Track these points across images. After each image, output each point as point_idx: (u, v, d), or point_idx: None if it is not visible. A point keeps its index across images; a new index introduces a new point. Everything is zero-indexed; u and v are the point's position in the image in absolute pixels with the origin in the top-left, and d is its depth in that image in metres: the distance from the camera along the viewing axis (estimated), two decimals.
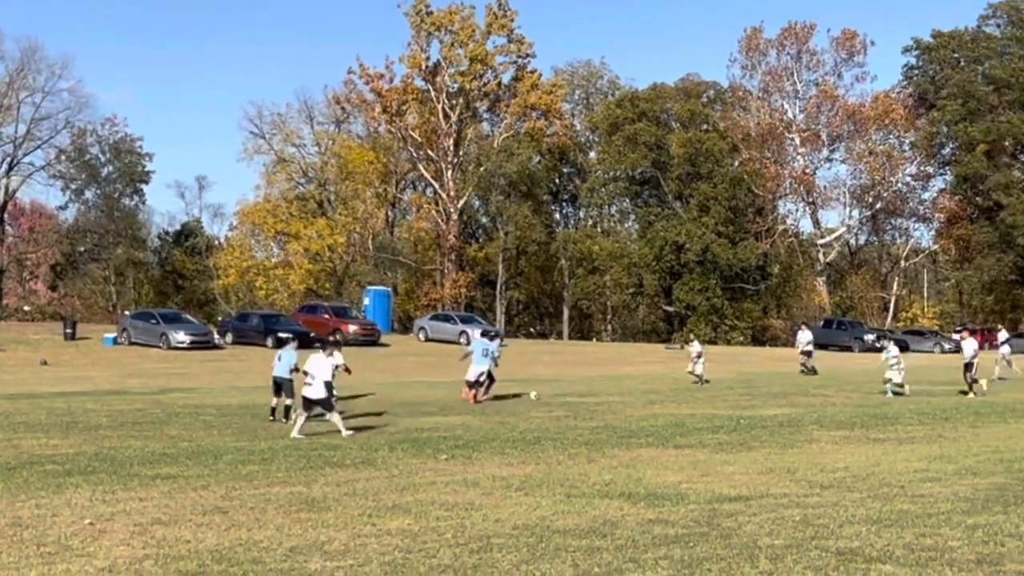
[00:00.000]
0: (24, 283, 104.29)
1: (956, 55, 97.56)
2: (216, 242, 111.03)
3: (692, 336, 47.90)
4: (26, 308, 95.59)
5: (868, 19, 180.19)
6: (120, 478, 17.46)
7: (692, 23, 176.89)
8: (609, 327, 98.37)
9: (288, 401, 27.08)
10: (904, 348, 76.82)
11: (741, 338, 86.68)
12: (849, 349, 73.35)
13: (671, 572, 10.41)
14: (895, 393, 34.33)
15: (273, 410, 27.34)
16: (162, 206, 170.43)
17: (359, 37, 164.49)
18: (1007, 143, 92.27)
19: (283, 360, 27.31)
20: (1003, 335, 48.46)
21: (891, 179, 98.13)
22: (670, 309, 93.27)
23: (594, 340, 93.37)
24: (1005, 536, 11.80)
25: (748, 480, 16.82)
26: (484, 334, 38.03)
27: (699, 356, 40.53)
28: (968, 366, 35.77)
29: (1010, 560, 10.67)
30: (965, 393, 34.86)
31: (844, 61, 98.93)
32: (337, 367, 26.06)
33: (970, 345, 36.39)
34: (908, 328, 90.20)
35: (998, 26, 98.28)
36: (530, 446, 21.70)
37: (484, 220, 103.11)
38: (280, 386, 27.12)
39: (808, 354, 47.96)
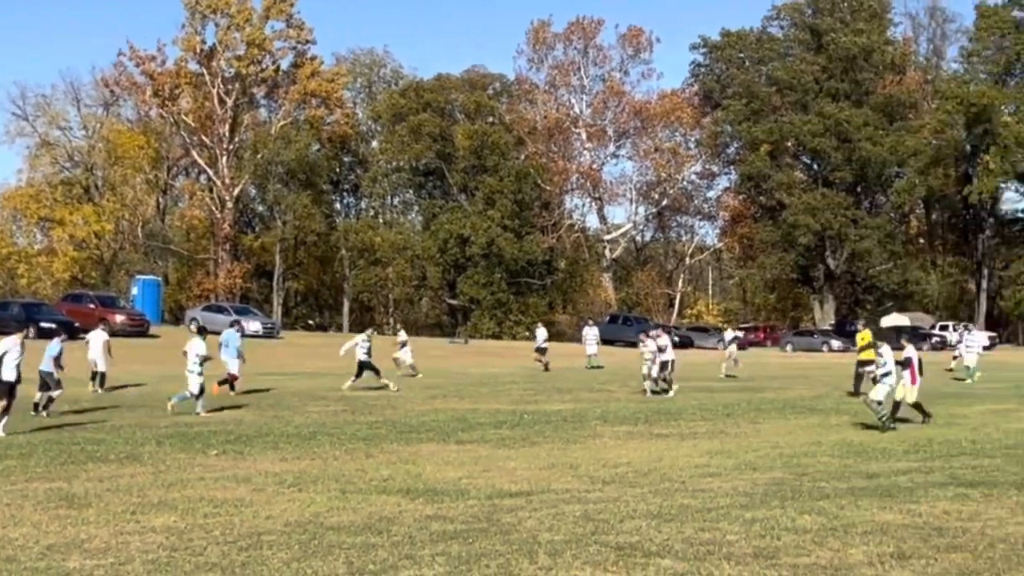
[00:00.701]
0: None
1: (742, 55, 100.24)
2: None
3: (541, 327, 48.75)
4: None
5: (657, 16, 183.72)
6: None
7: (479, 14, 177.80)
8: (391, 320, 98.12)
9: (55, 393, 26.52)
10: (688, 344, 78.88)
11: (527, 333, 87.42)
12: (634, 345, 74.40)
13: (448, 568, 10.39)
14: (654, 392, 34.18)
15: (36, 405, 26.64)
16: None
17: (131, 18, 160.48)
18: (789, 143, 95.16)
19: (45, 352, 26.77)
20: (729, 335, 49.74)
21: (677, 176, 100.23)
22: (454, 303, 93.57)
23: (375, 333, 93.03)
24: (781, 530, 12.10)
25: (530, 475, 16.93)
26: (231, 325, 37.85)
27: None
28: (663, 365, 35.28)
29: (785, 553, 10.94)
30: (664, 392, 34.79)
31: (631, 57, 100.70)
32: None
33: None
34: (693, 325, 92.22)
35: (781, 28, 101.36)
36: (305, 441, 21.49)
37: (261, 209, 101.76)
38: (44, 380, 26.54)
39: (542, 351, 48.53)
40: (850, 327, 77.44)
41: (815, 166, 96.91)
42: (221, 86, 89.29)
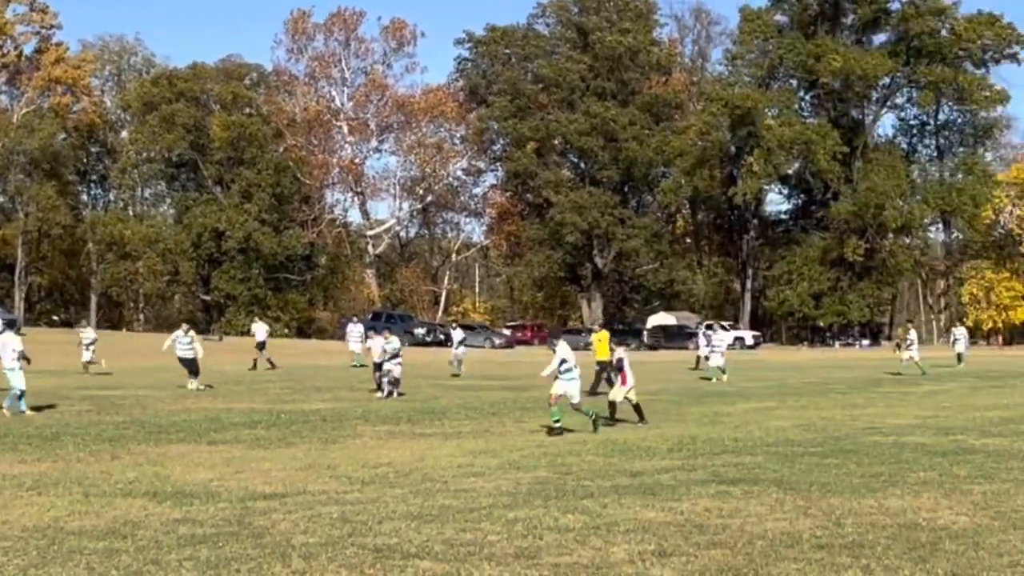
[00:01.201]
0: None
1: (508, 51, 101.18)
2: None
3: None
4: None
5: (421, 10, 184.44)
6: None
7: (236, 3, 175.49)
8: (142, 316, 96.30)
9: None
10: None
11: (286, 330, 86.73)
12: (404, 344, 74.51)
13: (196, 573, 10.15)
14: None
15: None
16: None
17: None
18: (556, 141, 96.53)
19: None
20: (458, 334, 49.19)
21: (442, 172, 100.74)
22: (208, 298, 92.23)
23: (124, 330, 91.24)
24: (544, 529, 12.13)
25: (285, 477, 16.70)
26: None
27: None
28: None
29: (547, 553, 10.96)
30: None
31: (394, 51, 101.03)
32: None
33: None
34: (461, 322, 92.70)
35: (548, 25, 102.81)
36: (47, 442, 20.84)
37: (2, 200, 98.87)
38: None
39: (262, 346, 48.01)
40: (617, 325, 79.18)
41: (582, 165, 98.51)
42: None
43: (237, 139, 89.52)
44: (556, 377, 23.46)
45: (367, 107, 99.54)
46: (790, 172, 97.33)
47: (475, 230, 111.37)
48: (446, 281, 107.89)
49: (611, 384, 28.51)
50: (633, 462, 18.27)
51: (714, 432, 22.90)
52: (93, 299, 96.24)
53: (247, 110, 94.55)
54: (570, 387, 23.27)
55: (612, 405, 24.74)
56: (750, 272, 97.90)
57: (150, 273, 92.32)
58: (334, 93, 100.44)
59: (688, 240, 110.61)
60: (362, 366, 47.52)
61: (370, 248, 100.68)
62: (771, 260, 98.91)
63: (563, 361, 23.28)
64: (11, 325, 37.13)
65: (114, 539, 11.85)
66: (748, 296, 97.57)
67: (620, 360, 25.04)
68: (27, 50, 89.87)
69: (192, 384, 34.55)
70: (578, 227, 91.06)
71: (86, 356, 42.97)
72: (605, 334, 34.30)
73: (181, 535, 12.05)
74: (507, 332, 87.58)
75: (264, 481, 16.28)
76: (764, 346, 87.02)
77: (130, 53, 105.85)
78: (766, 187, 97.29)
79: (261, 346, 48.05)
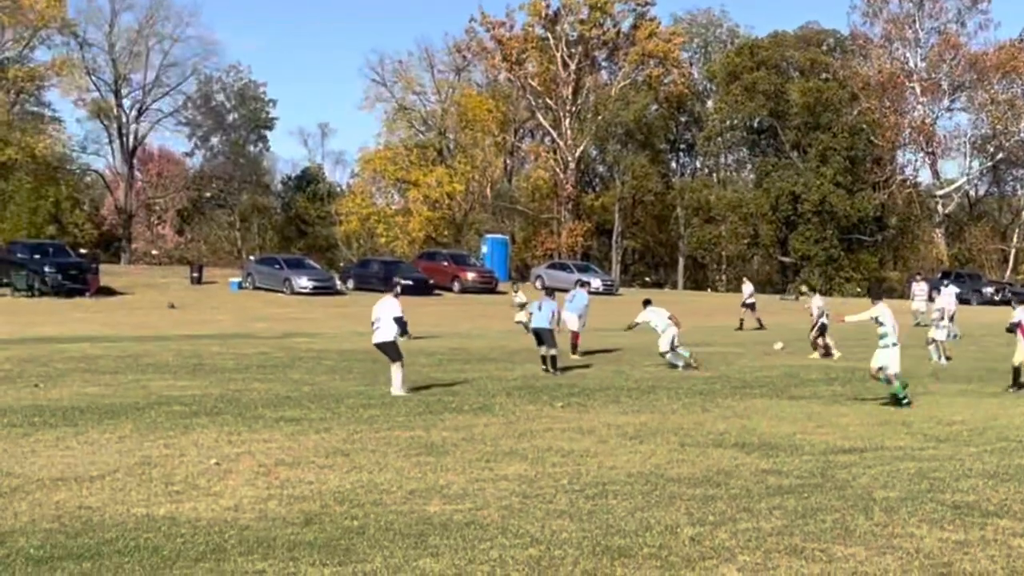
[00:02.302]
0: (152, 227, 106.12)
1: None
2: (338, 189, 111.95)
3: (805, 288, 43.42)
4: (154, 252, 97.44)
5: None
6: (245, 420, 17.80)
7: None
8: (723, 277, 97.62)
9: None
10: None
11: (857, 289, 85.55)
12: (968, 302, 72.09)
13: (785, 522, 10.39)
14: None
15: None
16: (286, 153, 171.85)
17: None
18: None
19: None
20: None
21: (1013, 129, 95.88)
22: (785, 260, 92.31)
23: (708, 290, 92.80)
24: None
25: (863, 432, 16.69)
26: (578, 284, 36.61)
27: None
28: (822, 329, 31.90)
29: None
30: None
31: (968, 8, 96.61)
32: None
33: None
34: None
35: None
36: (644, 395, 21.70)
37: (601, 169, 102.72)
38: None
39: (751, 307, 45.11)
40: None
41: None
42: (565, 49, 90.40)
43: (814, 104, 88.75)
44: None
45: (939, 66, 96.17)
46: None
47: None
48: (1015, 239, 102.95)
49: None
50: None
51: None
52: (680, 261, 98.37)
53: (824, 75, 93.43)
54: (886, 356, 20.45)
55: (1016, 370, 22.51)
56: None
57: (732, 236, 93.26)
58: (908, 54, 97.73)
59: None
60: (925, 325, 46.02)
61: (939, 208, 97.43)
62: None
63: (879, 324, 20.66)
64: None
65: (709, 486, 12.31)
66: None
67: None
68: (624, 27, 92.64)
69: (779, 345, 34.37)
70: None
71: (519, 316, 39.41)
72: None
73: (769, 485, 12.35)
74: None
75: (843, 436, 16.34)
76: None
77: (716, 25, 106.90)
78: None
79: (749, 306, 45.53)
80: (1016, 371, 22.43)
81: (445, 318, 45.27)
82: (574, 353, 30.59)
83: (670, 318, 27.81)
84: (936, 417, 18.35)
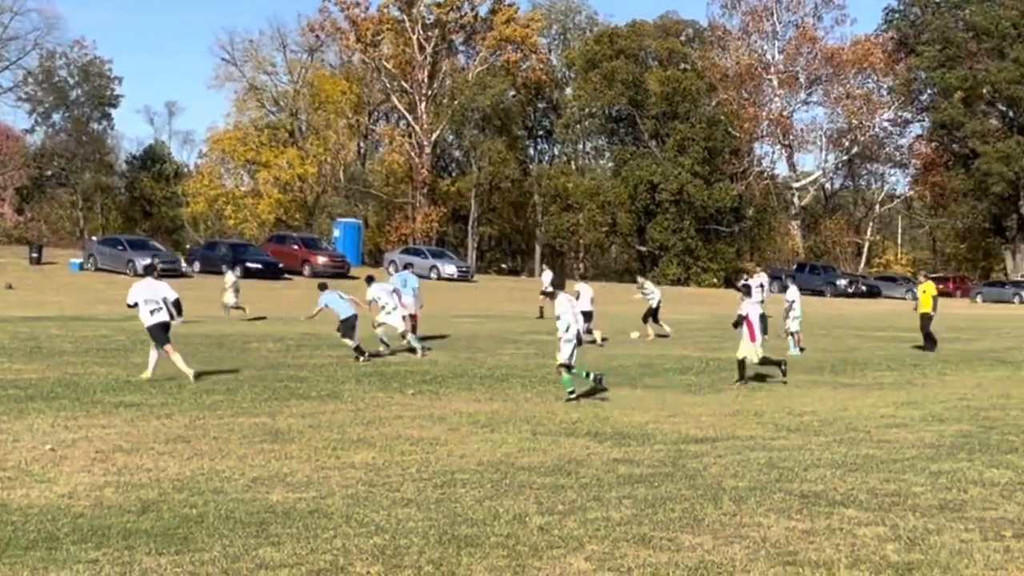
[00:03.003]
0: None
1: (937, 0, 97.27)
2: (185, 169, 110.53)
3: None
4: None
5: None
6: (83, 405, 17.47)
7: None
8: (581, 266, 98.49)
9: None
10: (877, 294, 77.61)
11: (714, 280, 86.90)
12: (822, 293, 73.64)
13: (634, 511, 10.48)
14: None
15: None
16: (131, 132, 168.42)
17: None
18: (984, 91, 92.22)
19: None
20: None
21: (868, 124, 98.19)
22: (643, 249, 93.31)
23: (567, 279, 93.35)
24: (968, 483, 11.92)
25: (715, 422, 16.91)
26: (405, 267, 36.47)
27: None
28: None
29: (972, 507, 10.78)
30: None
31: (824, 3, 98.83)
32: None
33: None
34: (881, 274, 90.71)
35: None
36: (498, 383, 21.76)
37: (457, 154, 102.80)
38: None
39: (550, 295, 44.96)
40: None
41: (1011, 114, 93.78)
42: (421, 32, 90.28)
43: (672, 94, 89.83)
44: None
45: (796, 60, 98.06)
46: None
47: (899, 181, 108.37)
48: (869, 233, 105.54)
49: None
50: None
51: None
52: (537, 249, 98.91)
53: (682, 65, 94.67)
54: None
55: (741, 364, 22.52)
56: None
57: (590, 224, 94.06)
58: (765, 47, 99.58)
59: None
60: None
61: (795, 200, 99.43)
62: None
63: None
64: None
65: (559, 475, 12.36)
66: None
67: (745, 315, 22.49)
68: (482, 11, 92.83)
69: (634, 335, 34.73)
70: (1004, 177, 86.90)
71: (230, 299, 40.00)
72: (931, 285, 32.77)
73: (620, 474, 12.45)
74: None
75: (696, 425, 16.55)
76: None
77: (575, 12, 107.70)
78: None
79: (549, 295, 45.12)
80: (741, 364, 22.40)
81: (295, 303, 44.87)
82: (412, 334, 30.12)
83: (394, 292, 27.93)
84: (787, 407, 18.67)
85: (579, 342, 19.48)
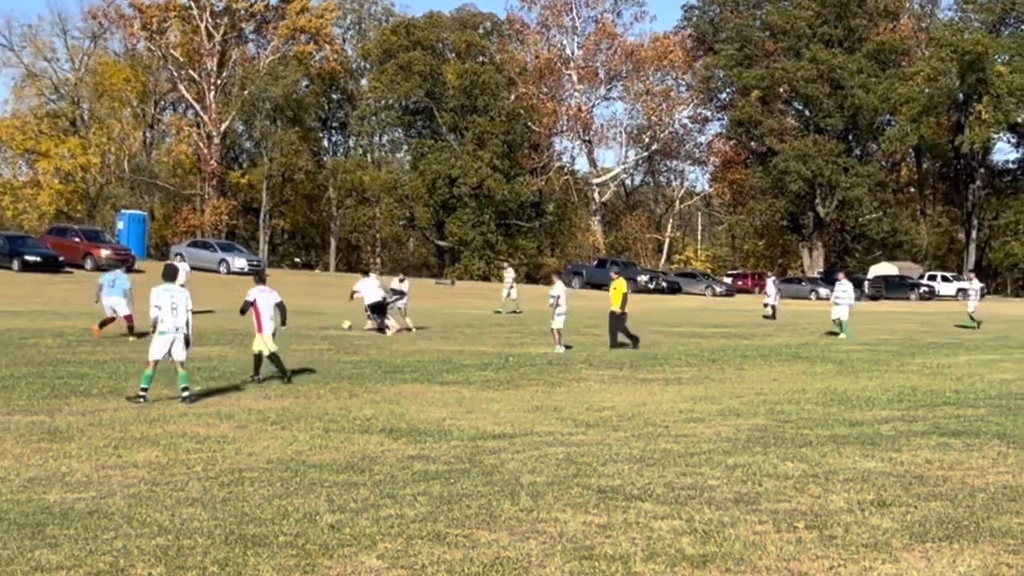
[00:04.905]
0: None
1: None
2: None
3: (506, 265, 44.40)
4: None
5: None
6: None
7: None
8: (378, 260, 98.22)
9: None
10: (677, 290, 79.10)
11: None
12: None
13: (429, 508, 10.43)
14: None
15: None
16: None
17: None
18: (781, 89, 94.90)
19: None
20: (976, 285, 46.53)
21: (668, 120, 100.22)
22: (442, 243, 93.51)
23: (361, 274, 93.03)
24: (763, 476, 12.15)
25: (513, 418, 16.97)
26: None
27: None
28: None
29: (766, 499, 10.99)
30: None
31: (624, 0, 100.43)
32: None
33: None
34: (681, 270, 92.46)
35: None
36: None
37: (248, 145, 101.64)
38: None
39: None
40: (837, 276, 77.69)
41: (807, 113, 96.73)
42: (210, 20, 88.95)
43: (471, 87, 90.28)
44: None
45: (596, 55, 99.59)
46: (1020, 120, 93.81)
47: (699, 178, 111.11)
48: (669, 229, 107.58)
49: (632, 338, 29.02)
50: (852, 412, 18.08)
51: (935, 384, 22.48)
52: (333, 243, 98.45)
53: (480, 58, 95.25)
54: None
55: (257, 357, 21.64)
56: (975, 222, 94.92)
57: (387, 218, 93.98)
58: (565, 41, 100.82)
59: (912, 189, 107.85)
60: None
61: (596, 196, 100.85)
62: (997, 210, 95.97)
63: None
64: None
65: (352, 473, 12.25)
66: (973, 246, 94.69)
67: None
68: (273, 0, 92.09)
69: (346, 324, 35.55)
70: (801, 175, 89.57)
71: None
72: (622, 282, 31.92)
73: (415, 471, 12.39)
74: (728, 281, 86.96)
75: (493, 421, 16.59)
76: (988, 298, 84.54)
77: (370, 2, 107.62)
78: (995, 136, 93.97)
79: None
80: (257, 359, 21.53)
81: (75, 296, 43.76)
82: (131, 335, 29.29)
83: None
84: (587, 403, 18.84)
85: (188, 343, 18.71)
